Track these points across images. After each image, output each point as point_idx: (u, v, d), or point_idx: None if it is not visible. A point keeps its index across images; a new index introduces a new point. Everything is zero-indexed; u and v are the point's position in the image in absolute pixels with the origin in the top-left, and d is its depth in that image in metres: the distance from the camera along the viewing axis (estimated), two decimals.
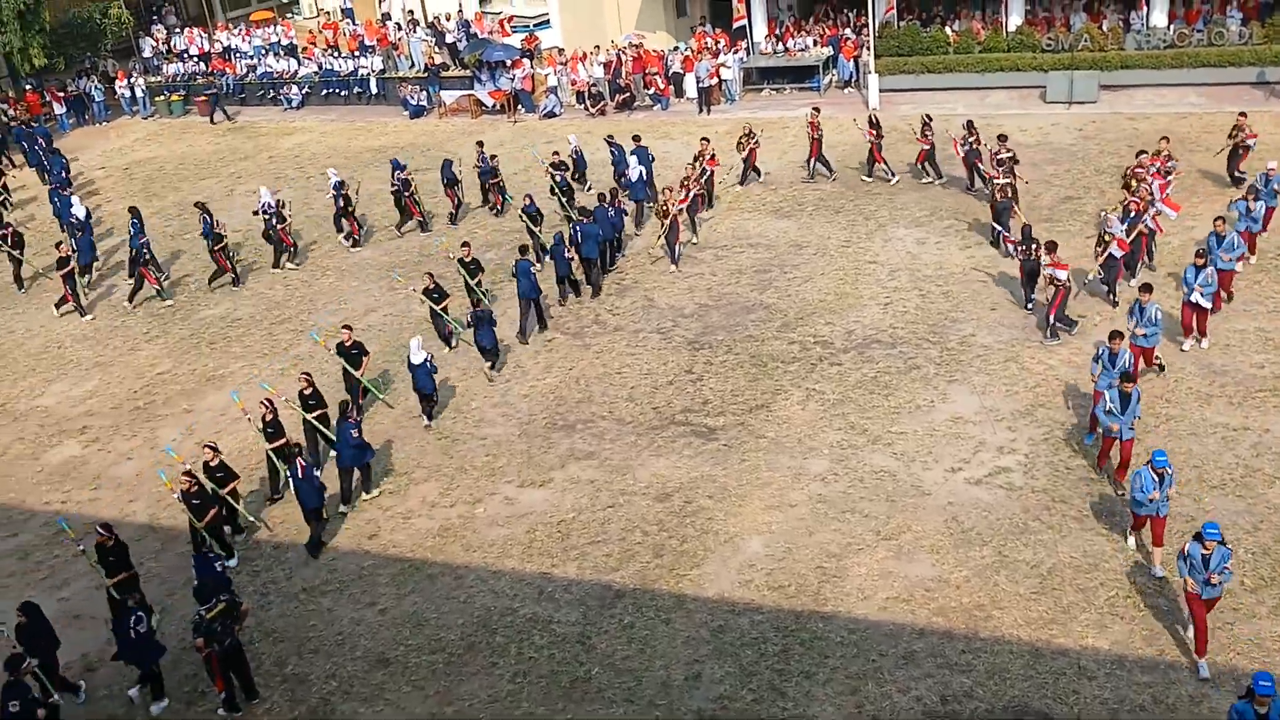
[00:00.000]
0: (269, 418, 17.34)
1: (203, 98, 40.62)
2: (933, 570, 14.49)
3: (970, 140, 24.92)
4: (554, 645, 14.09)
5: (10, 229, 27.71)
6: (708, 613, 14.26)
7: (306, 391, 18.16)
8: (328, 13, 46.22)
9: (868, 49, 33.06)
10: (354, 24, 43.21)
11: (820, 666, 13.23)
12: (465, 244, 22.17)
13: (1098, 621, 13.35)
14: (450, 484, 17.59)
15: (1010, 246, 21.76)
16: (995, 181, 22.59)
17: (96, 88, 41.41)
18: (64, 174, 32.33)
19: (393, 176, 27.18)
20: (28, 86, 41.18)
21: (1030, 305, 20.25)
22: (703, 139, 26.55)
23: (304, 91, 39.90)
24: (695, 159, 25.71)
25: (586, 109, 35.06)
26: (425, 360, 18.85)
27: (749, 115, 32.19)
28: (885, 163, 26.86)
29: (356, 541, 16.56)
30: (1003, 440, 16.81)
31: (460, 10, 42.19)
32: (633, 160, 25.97)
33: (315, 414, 18.09)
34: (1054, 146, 27.81)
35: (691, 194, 23.95)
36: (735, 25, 35.22)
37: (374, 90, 39.16)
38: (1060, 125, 29.16)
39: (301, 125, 38.21)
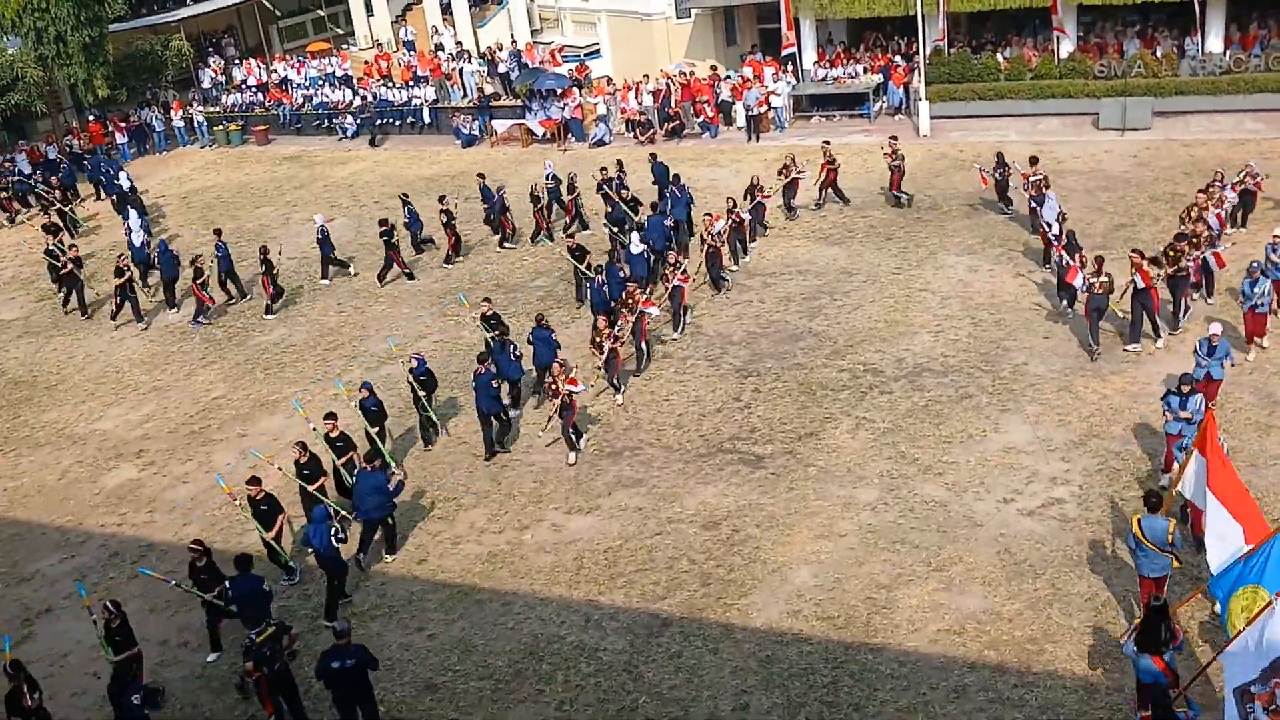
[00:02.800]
0: (259, 496, 16.32)
1: (261, 127, 41.38)
2: (984, 603, 14.30)
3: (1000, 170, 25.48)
4: (601, 673, 14.06)
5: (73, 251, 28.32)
6: (755, 643, 14.17)
7: (302, 460, 17.04)
8: (380, 44, 46.88)
9: (918, 76, 33.00)
10: (409, 55, 43.79)
11: (870, 700, 13.08)
12: (487, 298, 22.30)
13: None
14: (498, 510, 17.66)
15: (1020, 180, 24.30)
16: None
17: (157, 118, 42.33)
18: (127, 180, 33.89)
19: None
20: (91, 117, 42.18)
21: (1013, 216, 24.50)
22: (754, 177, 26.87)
23: (358, 121, 40.47)
24: (747, 192, 26.12)
25: (636, 137, 35.25)
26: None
27: (797, 143, 32.20)
28: (836, 190, 27.49)
29: (405, 567, 16.65)
30: (1056, 471, 16.58)
31: (514, 40, 42.68)
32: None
33: (315, 485, 17.04)
34: (1107, 174, 27.52)
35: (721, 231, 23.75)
36: (784, 52, 35.27)
37: (427, 120, 39.62)
38: (1114, 153, 28.86)
39: (355, 154, 38.75)
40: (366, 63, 44.29)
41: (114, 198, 33.66)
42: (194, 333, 25.78)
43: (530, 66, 39.70)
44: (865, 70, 35.26)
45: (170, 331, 26.13)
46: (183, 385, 23.46)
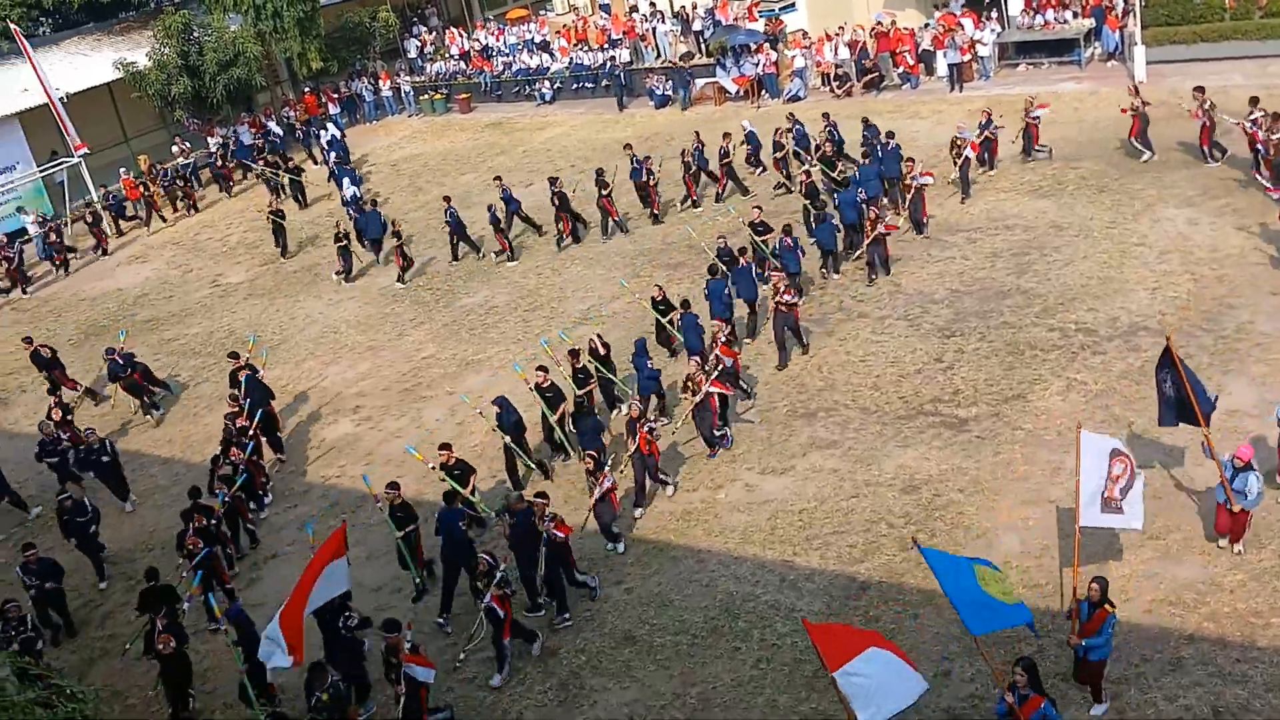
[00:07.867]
0: (450, 462, 16.97)
1: (463, 95, 42.57)
2: (1203, 573, 13.60)
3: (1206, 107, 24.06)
4: (797, 633, 14.02)
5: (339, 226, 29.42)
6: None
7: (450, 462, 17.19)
8: (576, 7, 47.37)
9: (1134, 18, 31.15)
10: (604, 18, 44.10)
11: None
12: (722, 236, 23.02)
13: None
14: (691, 469, 17.80)
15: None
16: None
17: (367, 88, 44.13)
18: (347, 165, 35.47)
19: None
20: (306, 89, 44.31)
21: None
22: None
23: (555, 86, 41.09)
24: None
25: (832, 91, 34.59)
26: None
27: (1003, 92, 30.99)
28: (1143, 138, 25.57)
29: None
30: None
31: None
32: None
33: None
34: None
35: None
36: None
37: (622, 82, 39.88)
38: None
39: (553, 119, 39.41)
40: (564, 28, 44.87)
41: (331, 158, 36.01)
42: (404, 295, 26.86)
43: (724, 23, 39.41)
44: (1076, 15, 33.56)
45: (383, 294, 27.30)
46: (395, 345, 24.51)
